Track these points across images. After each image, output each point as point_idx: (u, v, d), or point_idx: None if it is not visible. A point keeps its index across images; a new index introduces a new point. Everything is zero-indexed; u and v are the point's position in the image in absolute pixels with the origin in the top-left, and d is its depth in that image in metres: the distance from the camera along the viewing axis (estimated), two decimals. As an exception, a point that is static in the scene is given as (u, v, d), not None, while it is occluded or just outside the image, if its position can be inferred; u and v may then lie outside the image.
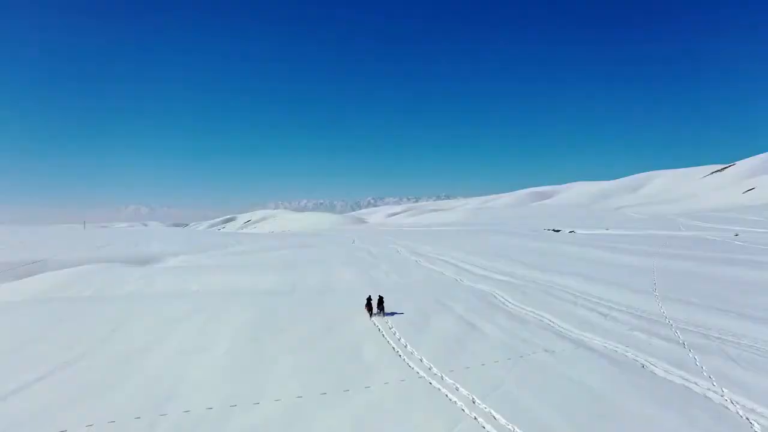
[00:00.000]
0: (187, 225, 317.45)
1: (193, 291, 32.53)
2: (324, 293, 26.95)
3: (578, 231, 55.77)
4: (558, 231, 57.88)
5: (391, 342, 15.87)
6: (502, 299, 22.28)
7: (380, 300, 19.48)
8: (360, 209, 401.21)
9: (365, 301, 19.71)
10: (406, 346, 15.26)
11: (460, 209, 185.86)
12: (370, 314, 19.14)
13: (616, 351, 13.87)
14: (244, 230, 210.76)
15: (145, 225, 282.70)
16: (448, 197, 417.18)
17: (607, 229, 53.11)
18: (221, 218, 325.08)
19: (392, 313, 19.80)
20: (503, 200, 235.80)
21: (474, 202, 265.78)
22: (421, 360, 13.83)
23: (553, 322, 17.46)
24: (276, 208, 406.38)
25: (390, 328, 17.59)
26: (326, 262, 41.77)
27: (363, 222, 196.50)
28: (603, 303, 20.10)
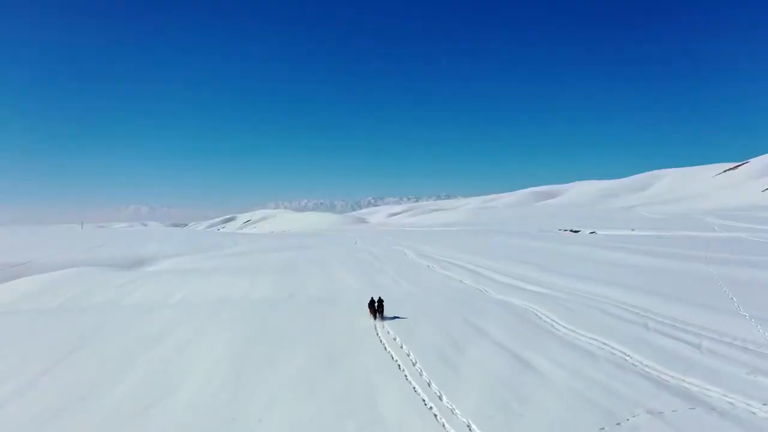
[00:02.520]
0: (186, 225, 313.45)
1: (175, 302, 28.75)
2: (324, 303, 23.54)
3: (599, 232, 51.53)
4: (577, 232, 53.65)
5: (418, 388, 11.61)
6: (545, 318, 18.04)
7: (380, 302, 18.37)
8: (360, 209, 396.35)
9: (368, 305, 18.88)
10: (440, 397, 11.00)
11: (461, 209, 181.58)
12: (374, 317, 18.21)
13: (754, 413, 9.44)
14: (244, 230, 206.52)
15: (145, 225, 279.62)
16: (448, 197, 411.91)
17: (632, 230, 48.84)
18: (221, 218, 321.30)
19: (394, 317, 18.07)
20: (505, 200, 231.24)
21: (475, 201, 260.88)
22: (468, 427, 9.54)
23: (629, 357, 13.16)
24: (276, 207, 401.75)
25: (412, 362, 13.38)
26: (327, 265, 38.39)
27: (364, 222, 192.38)
28: (679, 326, 15.77)
